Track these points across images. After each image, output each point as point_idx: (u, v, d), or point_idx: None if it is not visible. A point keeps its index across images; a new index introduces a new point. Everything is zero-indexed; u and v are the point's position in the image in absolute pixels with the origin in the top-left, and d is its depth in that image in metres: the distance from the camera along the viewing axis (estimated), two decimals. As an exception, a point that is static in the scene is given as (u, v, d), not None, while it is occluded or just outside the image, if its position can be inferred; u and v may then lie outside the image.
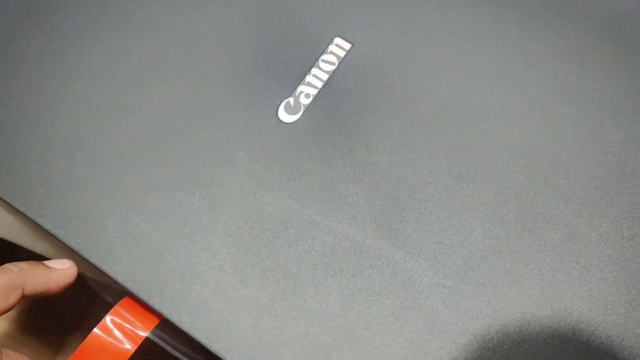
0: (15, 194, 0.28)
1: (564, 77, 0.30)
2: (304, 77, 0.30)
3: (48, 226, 0.27)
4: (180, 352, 0.31)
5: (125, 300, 0.28)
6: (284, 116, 0.29)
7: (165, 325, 0.30)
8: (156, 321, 0.28)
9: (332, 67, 0.30)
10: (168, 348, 0.30)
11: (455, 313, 0.26)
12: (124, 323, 0.27)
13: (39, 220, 0.27)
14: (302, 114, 0.29)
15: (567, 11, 0.32)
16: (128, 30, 0.31)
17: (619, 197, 0.28)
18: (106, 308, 0.28)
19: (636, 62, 0.31)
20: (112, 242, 0.27)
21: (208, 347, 0.26)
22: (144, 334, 0.27)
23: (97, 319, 0.27)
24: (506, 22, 0.32)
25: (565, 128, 0.29)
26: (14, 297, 0.26)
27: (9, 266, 0.27)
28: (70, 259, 0.29)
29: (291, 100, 0.30)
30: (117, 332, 0.27)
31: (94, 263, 0.27)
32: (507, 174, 0.28)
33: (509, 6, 0.32)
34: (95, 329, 0.26)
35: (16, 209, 0.28)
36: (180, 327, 0.26)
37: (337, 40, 0.31)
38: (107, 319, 0.27)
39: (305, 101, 0.29)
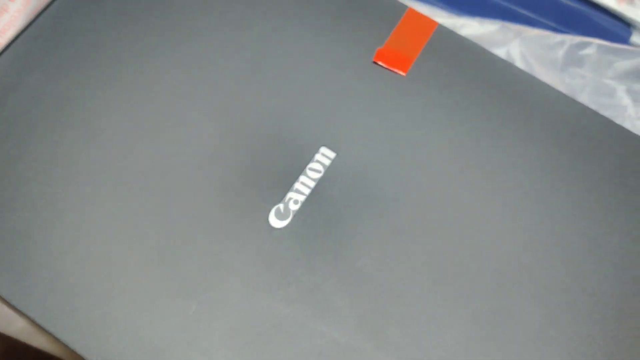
0: (18, 295, 0.30)
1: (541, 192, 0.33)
2: (293, 184, 0.33)
3: (52, 330, 0.29)
4: None
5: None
6: (275, 222, 0.32)
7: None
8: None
9: (319, 175, 0.33)
10: None
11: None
12: None
13: (39, 321, 0.29)
14: (291, 220, 0.32)
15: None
16: (132, 134, 0.33)
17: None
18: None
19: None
20: (115, 345, 0.29)
21: None
22: None
23: None
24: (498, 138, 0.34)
25: (540, 242, 0.32)
26: None
27: None
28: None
29: (281, 206, 0.32)
30: None
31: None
32: (480, 280, 0.31)
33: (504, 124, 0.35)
34: None
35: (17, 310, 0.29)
36: None
37: (323, 149, 0.34)
38: None
39: (294, 207, 0.32)
